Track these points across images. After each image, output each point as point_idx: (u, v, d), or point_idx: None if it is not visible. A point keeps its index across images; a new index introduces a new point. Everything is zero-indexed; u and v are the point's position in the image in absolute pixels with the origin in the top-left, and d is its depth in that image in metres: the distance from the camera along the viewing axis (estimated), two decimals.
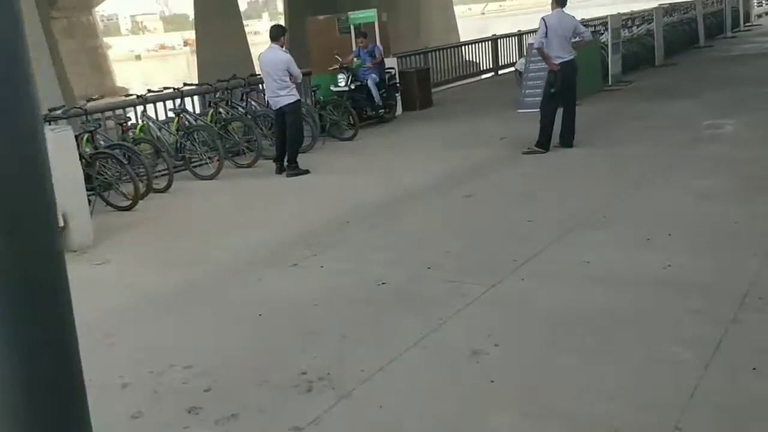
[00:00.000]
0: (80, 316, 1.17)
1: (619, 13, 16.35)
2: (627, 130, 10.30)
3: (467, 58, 20.57)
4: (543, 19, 8.99)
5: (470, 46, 20.68)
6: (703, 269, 4.87)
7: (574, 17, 9.19)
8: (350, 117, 12.13)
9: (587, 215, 6.42)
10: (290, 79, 9.36)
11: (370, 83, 13.06)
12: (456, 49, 19.93)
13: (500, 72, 19.89)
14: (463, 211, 7.09)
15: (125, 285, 5.88)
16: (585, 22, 17.15)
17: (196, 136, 10.09)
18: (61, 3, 39.69)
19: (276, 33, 9.43)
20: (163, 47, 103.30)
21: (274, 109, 9.69)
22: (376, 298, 5.02)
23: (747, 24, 28.16)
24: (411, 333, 4.31)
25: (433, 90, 17.66)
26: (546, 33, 8.91)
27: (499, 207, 7.09)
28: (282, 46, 9.41)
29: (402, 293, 5.05)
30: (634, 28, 18.31)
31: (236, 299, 5.27)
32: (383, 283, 5.22)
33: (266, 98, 10.08)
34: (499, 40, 20.35)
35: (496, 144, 10.18)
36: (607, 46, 14.96)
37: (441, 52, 19.00)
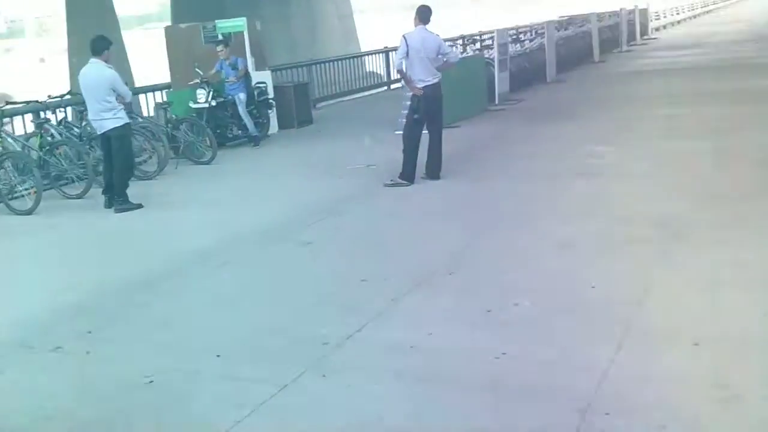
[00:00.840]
0: None
1: (505, 28, 15.66)
2: (503, 157, 9.45)
3: (367, 70, 19.62)
4: (404, 36, 8.01)
5: (365, 57, 19.73)
6: (540, 361, 3.90)
7: (438, 36, 8.24)
8: (207, 137, 10.89)
9: (432, 271, 5.42)
10: (117, 99, 8.09)
11: (237, 101, 11.88)
12: (347, 61, 18.89)
13: (392, 86, 18.95)
14: (293, 265, 5.99)
15: None
16: (472, 37, 16.54)
17: (10, 164, 8.67)
18: None
19: (98, 46, 8.11)
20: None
21: (98, 133, 8.38)
22: (127, 409, 3.83)
23: (644, 37, 28.31)
24: None
25: (320, 105, 16.69)
26: (407, 53, 7.93)
27: (336, 259, 6.03)
28: (106, 61, 8.11)
29: (166, 399, 3.89)
30: (527, 42, 17.72)
31: None
32: (151, 381, 4.05)
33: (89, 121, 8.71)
34: (390, 53, 19.42)
35: (362, 172, 9.17)
36: (493, 62, 14.18)
37: (330, 64, 17.96)
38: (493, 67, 14.15)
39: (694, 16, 41.97)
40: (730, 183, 7.15)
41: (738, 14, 42.74)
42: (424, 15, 8.04)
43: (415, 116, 8.06)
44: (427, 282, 5.25)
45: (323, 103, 16.97)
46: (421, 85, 7.99)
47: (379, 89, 19.17)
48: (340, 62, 18.41)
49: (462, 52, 15.51)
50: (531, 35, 18.20)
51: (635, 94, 14.23)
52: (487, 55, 14.95)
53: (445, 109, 11.72)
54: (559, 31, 20.02)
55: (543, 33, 17.68)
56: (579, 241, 5.83)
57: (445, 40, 17.21)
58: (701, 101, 12.42)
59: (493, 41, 15.22)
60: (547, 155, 9.32)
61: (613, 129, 10.68)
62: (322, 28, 29.75)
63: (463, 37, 17.32)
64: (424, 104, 8.00)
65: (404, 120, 11.04)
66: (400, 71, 8.15)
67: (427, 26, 8.09)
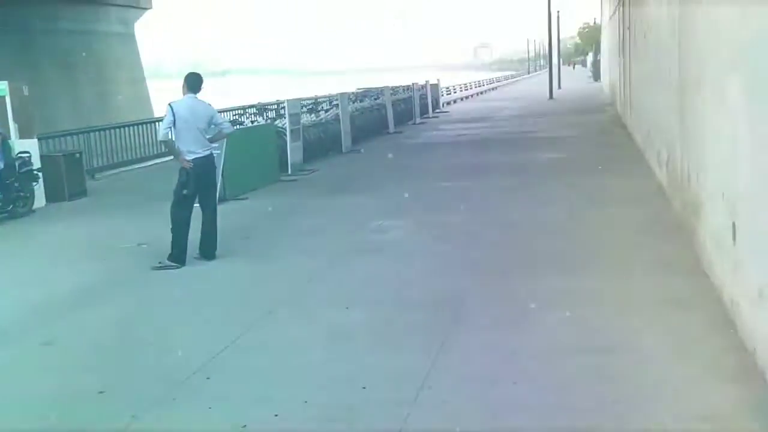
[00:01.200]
0: None
1: (298, 98, 15.46)
2: (288, 233, 8.95)
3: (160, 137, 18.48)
4: (170, 105, 7.35)
5: (156, 123, 18.63)
6: None
7: (210, 105, 7.66)
8: None
9: (187, 376, 4.68)
10: None
11: None
12: (134, 127, 17.73)
13: None
14: (20, 373, 4.99)
15: None
16: (264, 106, 16.17)
17: None
18: None
19: None
20: None
21: None
22: None
23: (436, 111, 29.56)
24: None
25: (101, 175, 15.39)
26: (174, 122, 7.27)
27: (75, 364, 5.10)
28: None
29: None
30: (322, 112, 17.64)
31: None
32: None
33: None
34: None
35: (132, 253, 8.24)
36: (285, 131, 13.83)
37: (114, 130, 16.74)
38: (286, 136, 13.80)
39: (482, 92, 44.89)
40: (510, 258, 7.10)
41: (520, 91, 46.41)
42: (192, 83, 7.44)
43: (184, 191, 7.35)
44: (179, 390, 4.50)
45: (106, 173, 15.69)
46: (190, 157, 7.32)
47: (171, 157, 18.11)
48: (125, 128, 17.24)
49: (253, 121, 15.09)
50: (327, 105, 18.17)
51: (425, 166, 14.44)
52: (280, 124, 14.60)
53: (234, 179, 11.25)
54: (355, 102, 20.28)
55: (338, 104, 17.71)
56: (354, 329, 5.36)
57: (241, 108, 16.83)
58: (486, 173, 12.77)
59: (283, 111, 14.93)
60: (334, 230, 8.94)
61: (401, 201, 10.57)
62: (113, 94, 28.32)
63: (259, 106, 16.92)
64: (194, 178, 7.33)
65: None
66: (165, 142, 7.45)
67: (198, 95, 7.49)
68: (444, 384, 4.36)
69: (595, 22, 62.29)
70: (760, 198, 4.21)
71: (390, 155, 16.47)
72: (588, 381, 4.28)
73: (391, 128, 21.78)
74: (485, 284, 6.28)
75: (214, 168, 7.66)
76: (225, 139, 10.26)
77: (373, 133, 20.27)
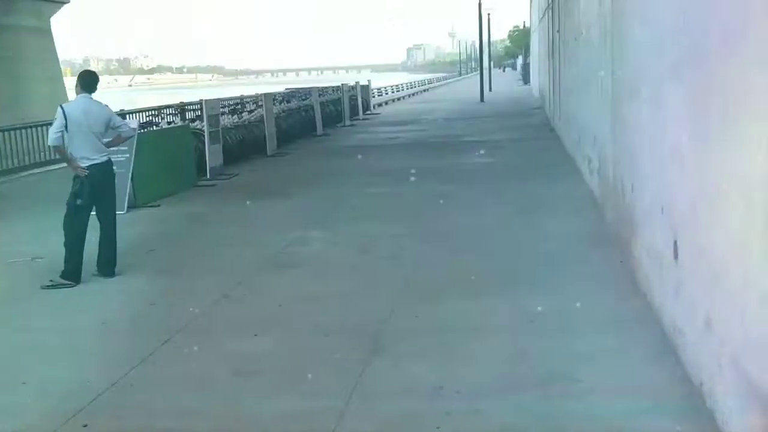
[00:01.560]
0: None
1: (219, 98, 14.69)
2: (199, 245, 8.26)
3: None
4: (61, 107, 6.61)
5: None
6: None
7: (107, 106, 6.93)
8: None
9: (59, 424, 3.99)
10: None
11: None
12: (45, 127, 16.55)
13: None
14: None
15: None
16: (181, 106, 15.32)
17: None
18: None
19: None
20: None
21: None
22: None
23: (367, 113, 29.08)
24: None
25: (8, 177, 14.35)
26: (65, 126, 6.52)
27: None
28: None
29: None
30: (245, 113, 16.89)
31: None
32: None
33: None
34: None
35: (24, 268, 7.42)
36: (203, 133, 13.06)
37: (27, 130, 15.59)
38: (204, 138, 13.04)
39: (413, 94, 44.63)
40: (437, 274, 6.62)
41: (451, 93, 46.40)
42: (86, 82, 6.71)
43: (78, 201, 6.61)
44: None
45: (12, 176, 14.64)
46: (85, 163, 6.59)
47: None
48: (37, 128, 16.03)
49: (170, 122, 14.25)
50: (252, 106, 17.42)
51: (353, 170, 13.91)
52: (199, 126, 13.80)
53: (145, 185, 10.46)
54: (281, 103, 19.58)
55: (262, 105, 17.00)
56: (262, 361, 4.77)
57: (157, 108, 15.92)
58: (415, 178, 12.28)
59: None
60: (251, 240, 8.29)
61: (325, 209, 10.01)
62: (26, 92, 26.85)
63: (178, 105, 16.05)
64: (90, 187, 6.59)
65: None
66: (56, 148, 6.69)
67: (93, 95, 6.75)
68: (361, 426, 3.82)
69: (524, 25, 63.04)
70: (707, 216, 3.81)
71: (316, 159, 15.93)
72: (524, 427, 3.80)
73: (320, 131, 21.18)
74: (410, 305, 5.77)
75: (112, 176, 6.93)
76: (134, 142, 9.56)
77: (300, 135, 19.63)
